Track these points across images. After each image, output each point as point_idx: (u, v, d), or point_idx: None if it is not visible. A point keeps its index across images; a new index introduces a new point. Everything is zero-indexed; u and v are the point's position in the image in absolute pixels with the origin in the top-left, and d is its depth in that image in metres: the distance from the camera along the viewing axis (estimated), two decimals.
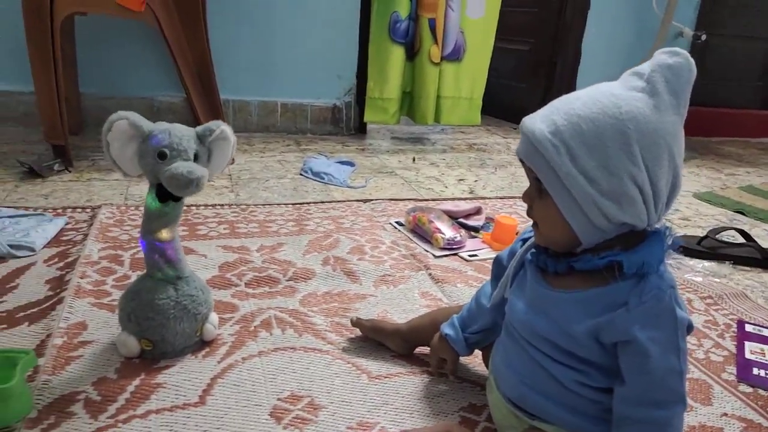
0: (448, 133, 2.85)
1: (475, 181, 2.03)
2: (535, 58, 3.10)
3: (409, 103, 2.52)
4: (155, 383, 0.80)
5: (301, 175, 1.88)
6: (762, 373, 0.93)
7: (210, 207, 1.50)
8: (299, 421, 0.76)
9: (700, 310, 1.16)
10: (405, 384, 0.85)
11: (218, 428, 0.73)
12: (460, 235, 1.37)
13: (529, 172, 0.60)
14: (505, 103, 3.25)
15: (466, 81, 2.54)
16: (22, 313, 0.95)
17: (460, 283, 1.19)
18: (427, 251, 1.34)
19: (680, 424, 0.59)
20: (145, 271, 0.86)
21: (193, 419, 0.75)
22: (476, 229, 1.48)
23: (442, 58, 2.43)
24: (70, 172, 1.68)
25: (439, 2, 2.31)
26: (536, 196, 0.60)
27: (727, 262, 1.38)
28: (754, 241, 1.47)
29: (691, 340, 1.03)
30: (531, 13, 3.10)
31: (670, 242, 0.59)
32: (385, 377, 0.86)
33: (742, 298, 1.22)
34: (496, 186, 1.98)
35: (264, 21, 2.28)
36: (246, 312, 1.01)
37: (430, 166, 2.19)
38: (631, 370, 0.58)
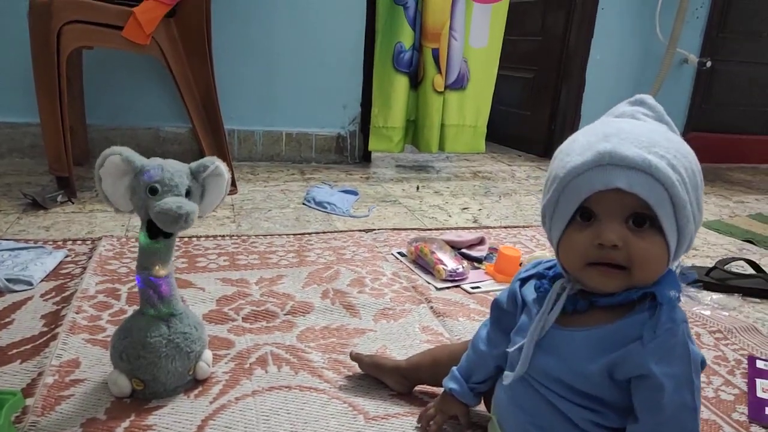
0: (452, 161, 2.85)
1: (479, 209, 2.02)
2: (539, 86, 3.11)
3: (414, 131, 2.53)
4: (145, 425, 0.78)
5: (304, 204, 1.88)
6: None
7: (211, 238, 1.49)
8: None
9: (709, 345, 1.12)
10: (403, 425, 0.82)
11: None
12: (463, 267, 1.35)
13: (623, 211, 0.56)
14: (509, 131, 3.26)
15: (470, 109, 2.55)
16: (15, 350, 0.94)
17: (462, 317, 1.17)
18: (429, 283, 1.32)
19: None
20: (138, 306, 0.85)
21: None
22: (479, 260, 1.46)
23: (446, 87, 2.44)
24: (73, 203, 1.68)
25: (442, 33, 2.34)
26: (629, 234, 0.56)
27: (736, 294, 1.34)
28: (764, 272, 1.43)
29: (700, 378, 1.00)
30: (535, 41, 3.12)
31: (679, 274, 0.60)
32: (383, 418, 0.84)
33: (752, 332, 1.18)
34: (501, 215, 1.97)
35: (269, 52, 2.31)
36: (242, 348, 0.99)
37: (434, 194, 2.18)
38: (644, 406, 0.57)
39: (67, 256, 1.30)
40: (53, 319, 1.03)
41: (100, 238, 1.40)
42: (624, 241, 0.56)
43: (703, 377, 0.99)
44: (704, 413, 0.90)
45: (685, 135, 3.20)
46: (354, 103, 2.51)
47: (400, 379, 0.89)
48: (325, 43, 2.38)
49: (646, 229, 0.56)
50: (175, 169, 0.78)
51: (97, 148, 2.18)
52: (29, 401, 0.80)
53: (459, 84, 2.49)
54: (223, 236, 1.51)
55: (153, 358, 0.81)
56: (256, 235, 1.54)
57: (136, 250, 1.36)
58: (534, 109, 3.16)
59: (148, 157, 0.80)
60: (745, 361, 1.06)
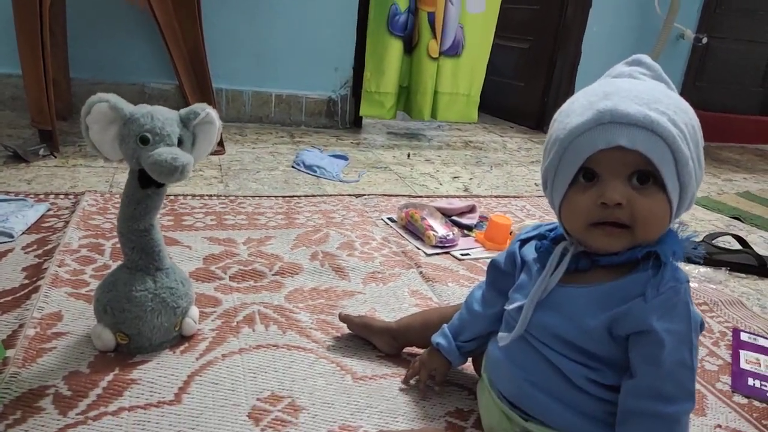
0: (444, 130, 2.82)
1: (470, 179, 2.00)
2: (534, 56, 3.07)
3: (406, 97, 2.49)
4: (129, 379, 0.77)
5: (293, 167, 1.85)
6: (757, 383, 0.91)
7: (198, 197, 1.46)
8: (278, 423, 0.73)
9: None
10: (390, 386, 0.82)
11: (193, 428, 0.70)
12: (453, 233, 1.34)
13: (624, 169, 0.55)
14: (502, 102, 3.22)
15: (464, 77, 2.51)
16: None
17: (452, 282, 1.16)
18: (419, 249, 1.31)
19: (687, 423, 0.57)
20: (122, 261, 0.83)
21: (168, 418, 0.71)
22: (469, 228, 1.46)
23: (441, 53, 2.40)
24: (55, 157, 1.64)
25: None
26: (632, 191, 0.55)
27: (723, 268, 1.36)
28: (751, 248, 1.45)
29: None
30: (532, 10, 3.07)
31: (685, 236, 0.60)
32: (370, 378, 0.83)
33: (737, 305, 1.20)
34: (491, 184, 1.96)
35: (261, 10, 2.24)
36: (229, 306, 0.98)
37: (425, 162, 2.16)
38: (643, 361, 0.57)
39: (49, 210, 1.26)
40: (35, 272, 1.00)
41: (83, 193, 1.36)
42: (627, 199, 0.55)
43: None
44: None
45: None
46: (346, 66, 2.46)
47: (390, 340, 0.88)
48: (319, 2, 2.31)
49: (649, 186, 0.55)
50: (166, 117, 0.75)
51: (80, 103, 2.09)
52: (10, 352, 0.79)
53: (454, 51, 2.44)
54: (210, 196, 1.48)
55: (138, 312, 0.79)
56: (244, 196, 1.51)
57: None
58: (528, 81, 3.12)
59: None
60: (730, 334, 1.07)
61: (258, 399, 0.76)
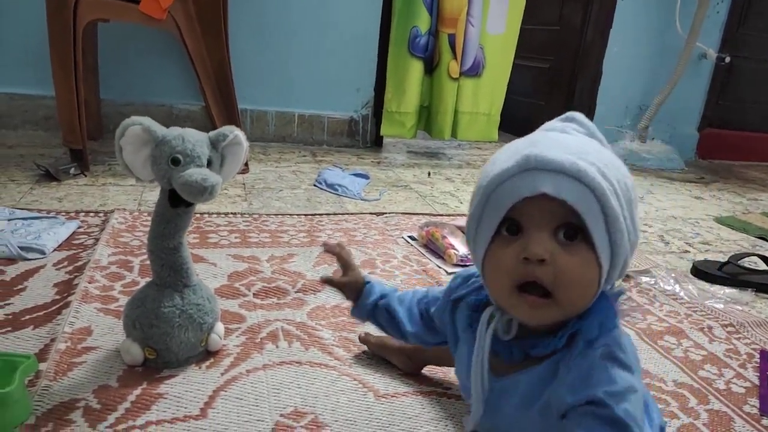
0: (464, 149, 2.83)
1: None
2: (554, 76, 3.08)
3: (427, 117, 2.51)
4: (157, 393, 0.79)
5: (315, 186, 1.87)
6: None
7: (222, 215, 1.49)
8: None
9: (721, 338, 1.11)
10: (413, 404, 0.82)
11: None
12: None
13: (551, 221, 0.50)
14: (522, 121, 3.22)
15: (485, 97, 2.53)
16: (28, 316, 0.94)
17: None
18: (440, 267, 1.31)
19: None
20: (151, 278, 0.85)
21: None
22: None
23: (461, 74, 2.42)
24: (86, 176, 1.69)
25: (459, 18, 2.31)
26: (558, 247, 0.49)
27: (749, 289, 1.33)
28: None
29: (711, 370, 0.99)
30: (552, 31, 3.08)
31: (617, 296, 0.55)
32: (392, 396, 0.84)
33: (765, 326, 1.17)
34: None
35: (284, 32, 2.30)
36: (253, 323, 0.99)
37: (445, 181, 2.17)
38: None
39: (79, 227, 1.30)
40: (66, 288, 1.03)
41: (112, 211, 1.40)
42: (552, 254, 0.49)
43: (714, 369, 0.98)
44: (715, 404, 0.89)
45: (701, 131, 3.17)
46: (368, 86, 2.50)
47: (406, 360, 0.89)
48: (341, 24, 2.36)
49: (576, 243, 0.49)
50: (196, 139, 0.78)
51: (111, 123, 2.18)
52: (42, 366, 0.81)
53: (474, 71, 2.47)
54: (235, 214, 1.51)
55: (166, 328, 0.81)
56: (267, 214, 1.54)
57: (149, 223, 1.36)
58: (548, 99, 3.13)
59: None
60: (757, 356, 1.05)
61: (281, 415, 0.77)
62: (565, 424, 0.50)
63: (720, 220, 2.00)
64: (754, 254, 1.49)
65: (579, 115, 0.56)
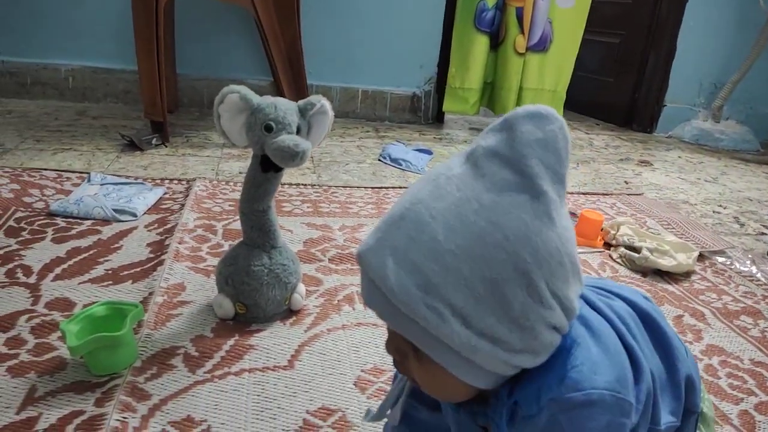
0: None
1: None
2: (625, 52, 2.97)
3: (490, 93, 2.49)
4: (248, 344, 0.85)
5: (379, 160, 1.91)
6: None
7: (294, 186, 1.54)
8: (383, 393, 0.78)
9: None
10: None
11: (306, 391, 0.76)
12: None
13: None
14: (589, 99, 3.14)
15: (551, 73, 2.47)
16: (126, 272, 1.02)
17: None
18: None
19: None
20: (241, 239, 0.91)
21: (283, 381, 0.78)
22: None
23: (527, 49, 2.38)
24: (166, 146, 1.78)
25: None
26: (409, 353, 0.43)
27: None
28: None
29: None
30: (624, 4, 2.96)
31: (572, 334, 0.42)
32: None
33: None
34: (579, 181, 1.93)
35: (349, 9, 2.32)
36: (330, 286, 1.04)
37: None
38: None
39: (165, 193, 1.38)
40: (158, 248, 1.11)
41: (194, 180, 1.48)
42: (404, 357, 0.43)
43: (750, 320, 0.97)
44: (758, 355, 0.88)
45: None
46: (431, 63, 2.49)
47: None
48: (406, 0, 2.36)
49: (423, 356, 0.41)
50: (287, 108, 0.82)
51: (186, 97, 2.28)
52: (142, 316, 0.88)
53: (541, 46, 2.41)
54: (305, 185, 1.57)
55: (256, 285, 0.87)
56: (336, 186, 1.58)
57: (228, 191, 1.44)
58: (617, 77, 3.02)
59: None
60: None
61: (362, 370, 0.82)
62: None
63: None
64: None
65: (517, 153, 0.38)
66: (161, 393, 0.74)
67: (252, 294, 0.87)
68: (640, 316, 0.48)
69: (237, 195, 1.41)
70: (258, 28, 1.83)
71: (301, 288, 0.95)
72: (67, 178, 1.41)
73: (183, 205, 1.31)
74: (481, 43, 2.32)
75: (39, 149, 1.63)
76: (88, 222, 1.19)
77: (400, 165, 1.86)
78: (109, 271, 1.02)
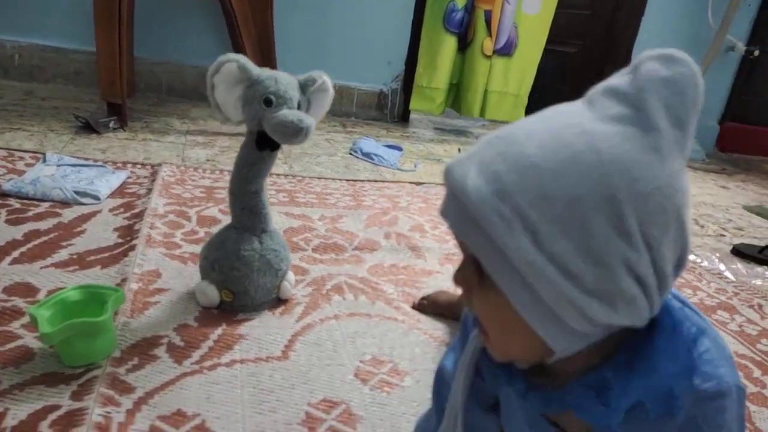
0: (489, 129, 2.82)
1: None
2: (582, 61, 3.06)
3: (456, 94, 2.50)
4: (237, 334, 0.79)
5: (350, 154, 1.86)
6: None
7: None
8: (385, 384, 0.74)
9: None
10: None
11: (305, 383, 0.72)
12: None
13: (465, 249, 0.39)
14: (547, 105, 3.20)
15: (515, 77, 2.51)
16: (93, 257, 0.94)
17: None
18: None
19: None
20: (219, 225, 0.85)
21: (279, 372, 0.73)
22: None
23: (494, 52, 2.40)
24: (124, 130, 1.67)
25: None
26: (476, 282, 0.38)
27: None
28: None
29: None
30: (583, 15, 3.06)
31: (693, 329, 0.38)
32: None
33: None
34: None
35: (319, 1, 2.27)
36: (316, 276, 0.99)
37: None
38: None
39: (129, 177, 1.29)
40: (127, 232, 1.03)
41: (160, 164, 1.39)
42: (470, 288, 0.39)
43: (727, 315, 1.00)
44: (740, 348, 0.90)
45: (722, 124, 3.17)
46: (399, 60, 2.48)
47: (457, 311, 0.90)
48: None
49: (486, 278, 0.37)
50: (288, 82, 0.77)
51: (143, 82, 2.16)
52: None
53: (507, 50, 2.45)
54: (278, 175, 1.50)
55: (246, 271, 0.81)
56: (310, 177, 1.53)
57: (197, 178, 1.36)
58: (575, 85, 3.11)
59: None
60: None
61: (361, 361, 0.78)
62: None
63: (748, 208, 2.01)
64: None
65: (635, 87, 0.36)
66: (146, 385, 0.67)
67: (242, 280, 0.81)
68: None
69: (207, 182, 1.34)
70: (228, 12, 1.75)
71: (291, 276, 0.90)
72: (19, 157, 1.30)
73: (150, 189, 1.23)
74: (450, 43, 2.33)
75: None
76: (46, 204, 1.09)
77: (372, 159, 1.83)
78: (74, 256, 0.93)
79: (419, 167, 1.85)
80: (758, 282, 1.27)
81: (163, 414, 0.63)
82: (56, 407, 0.62)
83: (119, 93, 1.66)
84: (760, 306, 1.15)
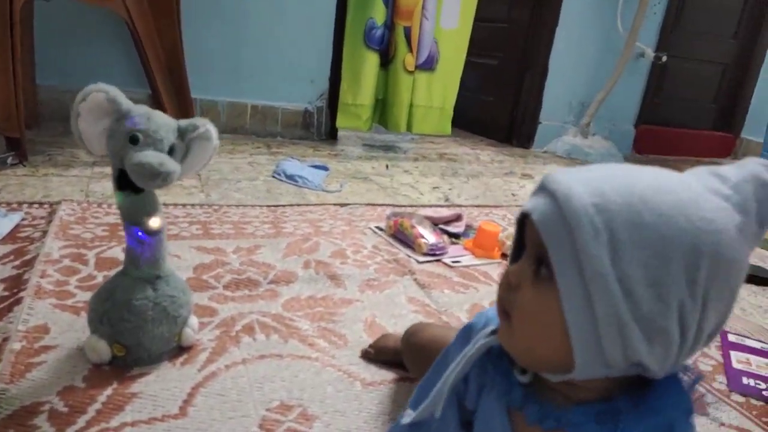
0: (417, 143, 2.83)
1: (450, 189, 2.01)
2: (503, 72, 3.14)
3: (382, 110, 2.50)
4: (130, 393, 0.73)
5: (273, 177, 1.82)
6: (752, 382, 0.94)
7: (180, 206, 1.41)
8: None
9: None
10: (400, 391, 0.81)
11: None
12: (443, 241, 1.34)
13: (533, 246, 0.42)
14: (473, 116, 3.27)
15: (439, 91, 2.54)
16: None
17: (447, 289, 1.16)
18: (410, 256, 1.30)
19: None
20: (120, 268, 0.79)
21: None
22: (457, 236, 1.46)
23: (416, 67, 2.42)
24: (24, 166, 1.56)
25: (414, 10, 2.31)
26: (530, 277, 0.42)
27: None
28: None
29: None
30: (500, 29, 3.14)
31: (692, 386, 0.43)
32: (380, 384, 0.82)
33: None
34: (471, 195, 1.97)
35: (237, 20, 2.21)
36: (226, 316, 0.94)
37: (403, 173, 2.16)
38: None
39: (23, 219, 1.20)
40: (15, 284, 0.94)
41: (59, 202, 1.30)
42: (521, 283, 0.43)
43: None
44: None
45: (637, 127, 3.33)
46: (322, 78, 2.45)
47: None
48: (296, 14, 2.30)
49: (544, 277, 0.41)
50: (162, 122, 0.72)
51: (48, 111, 2.03)
52: None
53: (429, 65, 2.47)
54: (193, 205, 1.44)
55: (138, 322, 0.75)
56: (228, 205, 1.47)
57: (100, 215, 1.28)
58: (497, 96, 3.18)
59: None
60: (718, 336, 1.10)
61: (267, 409, 0.73)
62: None
63: None
64: None
65: (739, 178, 0.41)
66: None
67: (134, 332, 0.75)
68: None
69: (112, 219, 1.27)
70: (132, 35, 1.67)
71: (194, 321, 0.85)
72: None
73: (45, 232, 1.14)
74: (372, 60, 2.32)
75: None
76: None
77: (296, 182, 1.79)
78: None
79: (345, 187, 1.83)
80: None
81: None
82: None
83: (16, 126, 1.55)
84: None
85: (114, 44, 2.05)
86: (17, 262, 1.02)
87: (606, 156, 3.02)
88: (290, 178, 1.80)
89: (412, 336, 0.79)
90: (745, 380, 0.94)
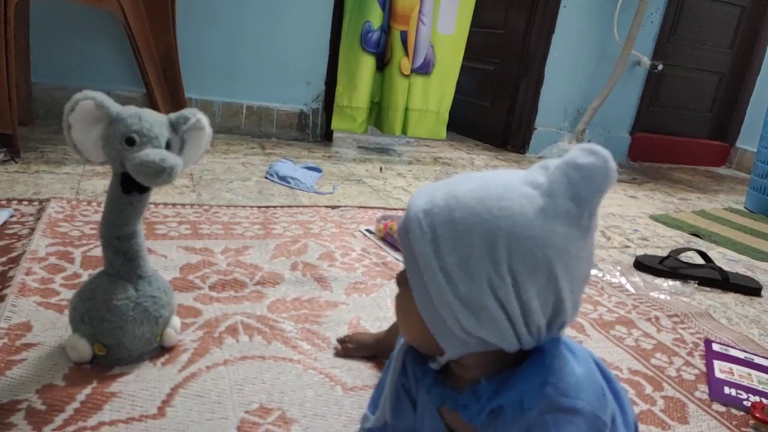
0: (412, 146, 2.84)
1: None
2: (499, 79, 3.14)
3: (377, 113, 2.50)
4: (109, 392, 0.73)
5: (266, 178, 1.82)
6: (733, 392, 0.94)
7: (170, 206, 1.41)
8: None
9: (667, 328, 1.16)
10: None
11: None
12: None
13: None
14: (468, 121, 3.28)
15: (434, 95, 2.54)
16: None
17: None
18: (399, 260, 1.30)
19: None
20: (102, 268, 0.79)
21: None
22: None
23: (412, 71, 2.42)
24: (16, 162, 1.56)
25: (411, 15, 2.31)
26: (402, 279, 0.50)
27: (691, 281, 1.40)
28: (713, 263, 1.51)
29: (662, 358, 1.03)
30: (497, 35, 3.15)
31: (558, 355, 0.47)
32: (361, 389, 0.82)
33: (706, 317, 1.24)
34: None
35: (233, 20, 2.22)
36: (210, 317, 0.94)
37: (397, 176, 2.17)
38: None
39: (12, 216, 1.20)
40: (0, 281, 0.95)
41: (48, 200, 1.30)
42: (399, 283, 0.51)
43: (665, 357, 1.03)
44: (669, 391, 0.93)
45: (632, 134, 3.34)
46: (318, 80, 2.46)
47: (387, 346, 0.87)
48: (293, 16, 2.31)
49: (406, 285, 0.49)
50: (154, 120, 0.73)
51: (42, 109, 2.03)
52: None
53: (425, 69, 2.48)
54: (183, 205, 1.44)
55: (119, 322, 0.75)
56: (218, 206, 1.48)
57: (89, 213, 1.28)
58: (493, 101, 3.19)
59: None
60: (702, 344, 1.11)
61: (246, 412, 0.74)
62: None
63: (655, 218, 2.10)
64: (691, 249, 1.57)
65: (554, 166, 0.46)
66: None
67: (115, 332, 0.76)
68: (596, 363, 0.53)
69: (100, 217, 1.26)
70: (128, 35, 1.68)
71: (176, 321, 0.85)
72: None
73: (33, 229, 1.14)
74: (368, 63, 2.33)
75: None
76: None
77: (289, 183, 1.79)
78: None
79: (337, 189, 1.83)
80: (655, 294, 1.32)
81: None
82: None
83: (9, 123, 1.55)
84: (657, 319, 1.20)
85: (109, 43, 2.05)
86: (3, 259, 1.02)
87: None
88: (283, 179, 1.80)
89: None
90: (726, 390, 0.94)
